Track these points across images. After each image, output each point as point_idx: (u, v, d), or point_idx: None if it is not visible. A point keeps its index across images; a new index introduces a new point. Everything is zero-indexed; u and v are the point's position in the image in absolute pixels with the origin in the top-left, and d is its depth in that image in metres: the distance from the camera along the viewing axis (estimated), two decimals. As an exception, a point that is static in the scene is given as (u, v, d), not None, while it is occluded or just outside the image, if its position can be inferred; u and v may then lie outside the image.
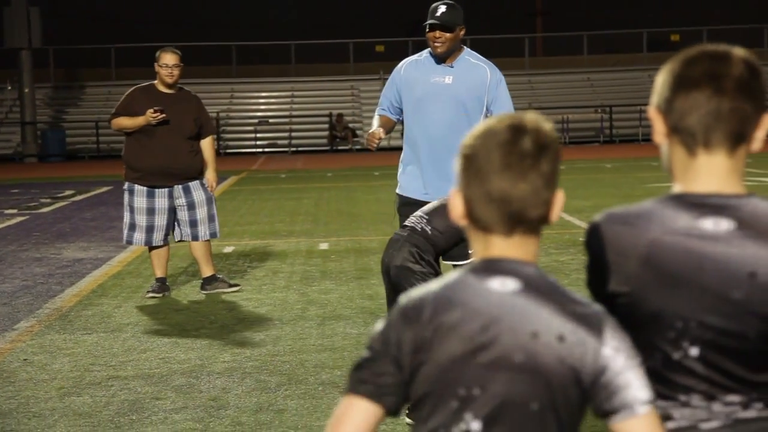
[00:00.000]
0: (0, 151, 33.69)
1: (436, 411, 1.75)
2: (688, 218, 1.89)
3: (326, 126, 34.38)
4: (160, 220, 8.49)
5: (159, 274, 8.61)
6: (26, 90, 32.60)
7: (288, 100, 36.93)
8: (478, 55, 6.17)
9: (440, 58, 6.03)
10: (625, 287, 1.90)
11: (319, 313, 7.77)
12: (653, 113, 1.96)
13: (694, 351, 1.89)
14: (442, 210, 5.01)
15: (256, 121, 35.44)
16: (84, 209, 16.52)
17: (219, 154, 32.10)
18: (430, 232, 4.99)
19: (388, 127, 6.13)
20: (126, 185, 8.58)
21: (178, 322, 7.54)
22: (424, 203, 5.65)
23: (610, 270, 1.91)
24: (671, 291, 1.88)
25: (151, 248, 8.61)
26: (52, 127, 34.24)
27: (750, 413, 1.89)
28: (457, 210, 1.81)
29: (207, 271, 8.64)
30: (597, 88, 37.31)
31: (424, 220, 5.04)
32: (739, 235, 1.86)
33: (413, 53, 6.45)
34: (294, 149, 33.54)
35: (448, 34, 5.97)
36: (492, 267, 1.78)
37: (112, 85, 36.86)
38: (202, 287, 8.67)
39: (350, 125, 34.39)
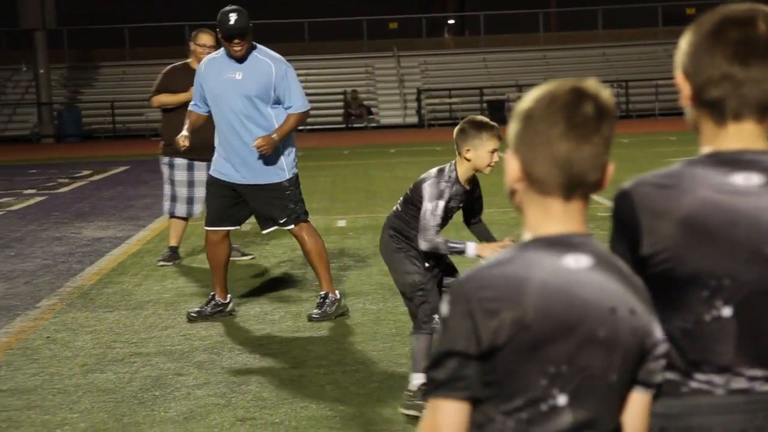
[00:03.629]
0: (17, 131, 33.81)
1: (521, 390, 1.75)
2: (719, 175, 1.90)
3: (341, 104, 34.36)
4: (200, 192, 8.75)
5: (173, 243, 9.07)
6: (41, 71, 32.68)
7: (302, 78, 36.89)
8: (267, 51, 6.86)
9: (239, 60, 6.76)
10: (661, 250, 1.90)
11: (338, 289, 7.80)
12: (680, 78, 1.96)
13: (727, 311, 1.90)
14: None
15: (270, 99, 35.42)
16: (102, 189, 16.59)
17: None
18: (400, 209, 5.03)
19: (199, 122, 7.09)
20: (166, 159, 9.00)
21: (198, 299, 7.59)
22: (240, 185, 6.82)
23: (644, 234, 1.91)
24: (707, 249, 1.88)
25: (173, 217, 9.06)
26: (68, 108, 34.33)
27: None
28: (512, 172, 1.81)
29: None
30: (612, 63, 37.14)
31: (399, 202, 5.08)
32: None
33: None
34: (309, 127, 33.56)
35: (244, 40, 6.72)
36: (563, 243, 1.77)
37: (126, 65, 36.91)
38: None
39: (365, 103, 34.36)
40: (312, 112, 30.45)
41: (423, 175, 4.92)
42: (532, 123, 1.77)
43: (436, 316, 4.88)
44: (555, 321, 1.72)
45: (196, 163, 8.81)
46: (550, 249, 1.76)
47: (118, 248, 10.17)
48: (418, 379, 4.89)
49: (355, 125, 33.70)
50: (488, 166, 4.78)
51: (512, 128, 1.81)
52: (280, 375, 5.60)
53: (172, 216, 9.07)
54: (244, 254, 9.09)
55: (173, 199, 8.97)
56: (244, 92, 6.72)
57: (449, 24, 50.22)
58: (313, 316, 6.81)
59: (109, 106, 33.47)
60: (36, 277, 8.76)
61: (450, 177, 4.84)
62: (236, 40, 6.69)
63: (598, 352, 1.73)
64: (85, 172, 19.75)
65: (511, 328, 1.72)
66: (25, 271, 9.03)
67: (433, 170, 4.89)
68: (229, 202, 6.90)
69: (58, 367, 5.91)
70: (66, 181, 18.10)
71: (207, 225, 7.00)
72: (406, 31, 39.20)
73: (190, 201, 8.95)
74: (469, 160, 4.80)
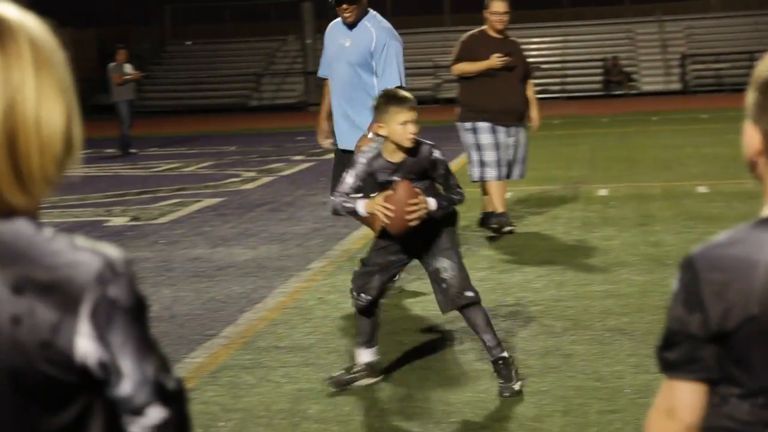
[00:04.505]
0: (285, 100, 35.34)
1: (755, 376, 1.65)
2: None
3: (600, 71, 33.68)
4: (505, 155, 8.79)
5: (501, 209, 8.79)
6: (308, 41, 33.95)
7: (560, 45, 36.43)
8: (379, 20, 6.79)
9: (351, 26, 6.70)
10: None
11: (602, 259, 7.70)
12: None
13: None
14: None
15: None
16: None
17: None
18: None
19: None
20: (468, 125, 8.86)
21: (462, 266, 7.70)
22: (346, 152, 6.72)
23: None
24: None
25: (488, 183, 8.83)
26: (332, 77, 35.44)
27: None
28: (753, 145, 1.67)
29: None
30: None
31: None
32: None
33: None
34: (568, 95, 33.12)
35: (353, 5, 6.63)
36: None
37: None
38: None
39: (626, 69, 33.52)
40: (571, 80, 29.88)
41: None
42: None
43: (361, 294, 5.01)
44: None
45: (498, 127, 8.75)
46: None
47: (382, 214, 10.45)
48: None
49: (615, 92, 32.95)
50: (406, 138, 4.78)
51: (750, 97, 1.68)
52: (544, 344, 5.61)
53: (483, 180, 8.85)
54: (510, 224, 8.94)
55: (482, 164, 8.77)
56: (349, 60, 6.71)
57: (716, -15, 48.04)
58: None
59: (371, 74, 34.30)
60: (306, 239, 9.17)
61: (372, 150, 4.92)
62: (344, 5, 6.67)
63: None
64: (349, 139, 20.37)
65: (739, 315, 1.62)
66: (297, 234, 9.46)
67: None
68: None
69: (330, 327, 6.17)
70: (331, 148, 18.74)
71: None
72: (669, -7, 37.81)
73: (498, 164, 8.72)
74: (385, 136, 4.84)
